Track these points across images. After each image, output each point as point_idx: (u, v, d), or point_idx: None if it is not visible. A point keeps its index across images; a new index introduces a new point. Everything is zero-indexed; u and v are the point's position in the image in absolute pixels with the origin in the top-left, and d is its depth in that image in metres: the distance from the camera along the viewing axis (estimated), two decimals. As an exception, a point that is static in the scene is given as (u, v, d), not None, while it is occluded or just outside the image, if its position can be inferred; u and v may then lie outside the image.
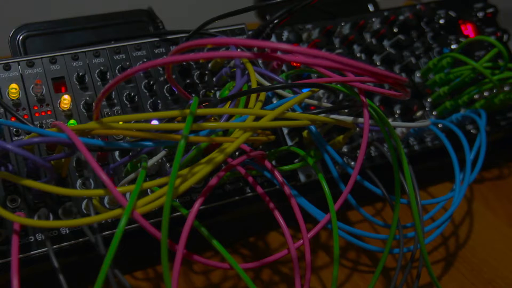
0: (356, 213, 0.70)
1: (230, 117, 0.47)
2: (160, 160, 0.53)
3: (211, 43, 0.35)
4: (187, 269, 0.62)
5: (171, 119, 0.48)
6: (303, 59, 0.35)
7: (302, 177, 0.64)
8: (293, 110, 0.56)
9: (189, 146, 0.50)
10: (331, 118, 0.49)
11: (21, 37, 0.66)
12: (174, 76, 0.62)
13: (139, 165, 0.50)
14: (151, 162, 0.49)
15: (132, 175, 0.48)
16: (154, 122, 0.53)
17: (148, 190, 0.55)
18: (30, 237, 0.52)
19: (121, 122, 0.42)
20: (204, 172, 0.41)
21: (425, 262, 0.56)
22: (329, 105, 0.57)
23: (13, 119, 0.54)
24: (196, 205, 0.43)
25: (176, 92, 0.61)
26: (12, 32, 0.66)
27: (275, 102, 0.63)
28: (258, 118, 0.45)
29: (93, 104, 0.57)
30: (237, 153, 0.59)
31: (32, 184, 0.40)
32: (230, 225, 0.66)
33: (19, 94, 0.56)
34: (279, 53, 0.45)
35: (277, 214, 0.50)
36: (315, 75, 0.68)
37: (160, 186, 0.42)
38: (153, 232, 0.40)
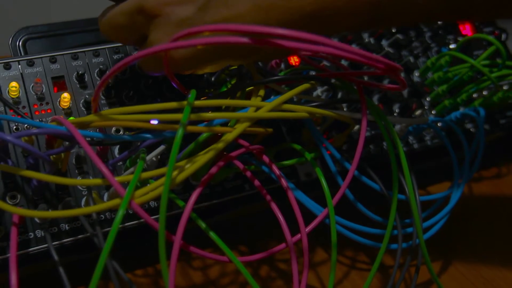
0: (354, 208, 0.70)
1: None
2: (159, 156, 0.54)
3: (209, 30, 0.35)
4: (185, 265, 0.62)
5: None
6: (298, 45, 0.36)
7: (302, 176, 0.64)
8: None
9: (188, 143, 0.50)
10: (329, 111, 0.50)
11: (21, 40, 0.67)
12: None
13: (138, 160, 0.50)
14: (150, 156, 0.49)
15: (131, 169, 0.48)
16: (153, 122, 0.53)
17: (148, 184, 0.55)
18: (30, 233, 0.52)
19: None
20: (203, 160, 0.41)
21: (424, 255, 0.56)
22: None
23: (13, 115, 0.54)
24: (195, 194, 0.43)
25: (176, 87, 0.61)
26: (13, 35, 0.66)
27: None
28: (257, 110, 0.45)
29: (91, 97, 0.57)
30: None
31: (32, 175, 0.40)
32: (230, 224, 0.66)
33: (19, 93, 0.56)
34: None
35: (274, 206, 0.50)
36: (313, 72, 0.68)
37: (159, 177, 0.42)
38: (150, 222, 0.41)
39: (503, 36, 0.85)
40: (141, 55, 0.38)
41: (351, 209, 0.57)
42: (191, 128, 0.41)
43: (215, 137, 0.46)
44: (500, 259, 0.70)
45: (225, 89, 0.60)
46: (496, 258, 0.70)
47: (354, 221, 0.57)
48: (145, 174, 0.41)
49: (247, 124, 0.43)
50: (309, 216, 0.54)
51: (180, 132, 0.38)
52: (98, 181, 0.41)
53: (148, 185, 0.41)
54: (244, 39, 0.35)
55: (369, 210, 0.58)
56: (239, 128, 0.42)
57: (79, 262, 0.55)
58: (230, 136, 0.42)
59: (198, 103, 0.42)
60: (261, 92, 0.49)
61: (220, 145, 0.42)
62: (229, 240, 0.64)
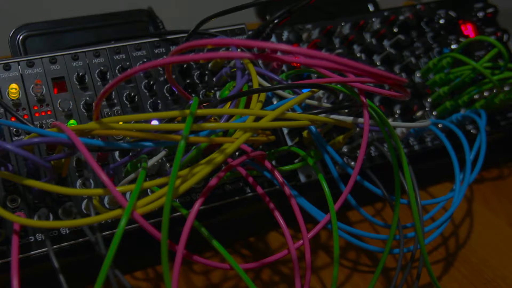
0: (356, 213, 0.70)
1: (230, 117, 0.47)
2: (160, 160, 0.53)
3: (211, 44, 0.35)
4: (187, 269, 0.62)
5: (171, 119, 0.48)
6: (303, 60, 0.35)
7: (302, 177, 0.64)
8: (293, 110, 0.56)
9: (189, 146, 0.50)
10: (331, 118, 0.49)
11: (21, 37, 0.66)
12: (174, 76, 0.62)
13: (139, 165, 0.50)
14: (151, 162, 0.49)
15: (132, 175, 0.48)
16: (154, 122, 0.53)
17: (148, 190, 0.55)
18: (30, 237, 0.52)
19: (121, 123, 0.42)
20: (204, 172, 0.41)
21: (425, 262, 0.56)
22: (329, 105, 0.57)
23: (13, 119, 0.54)
24: (196, 206, 0.43)
25: (176, 92, 0.61)
26: (12, 32, 0.66)
27: (275, 102, 0.63)
28: (258, 118, 0.45)
29: (93, 104, 0.57)
30: (237, 153, 0.59)
31: (33, 184, 0.40)
32: (230, 225, 0.66)
33: (19, 94, 0.56)
34: (279, 54, 0.45)
35: (277, 214, 0.50)
36: (315, 75, 0.68)
37: (160, 186, 0.42)
38: (153, 233, 0.40)
39: (505, 37, 0.84)
40: (145, 67, 0.37)
41: (349, 208, 0.57)
42: (193, 139, 0.41)
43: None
44: (500, 260, 0.70)
45: (227, 92, 0.59)
46: (497, 259, 0.70)
47: (351, 219, 0.57)
48: (147, 184, 0.41)
49: (249, 134, 0.43)
50: (309, 214, 0.54)
51: (182, 144, 0.38)
52: (99, 191, 0.40)
53: (150, 194, 0.41)
54: (247, 54, 0.35)
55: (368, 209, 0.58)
56: (241, 138, 0.42)
57: (79, 263, 0.55)
58: (231, 148, 0.42)
59: (200, 112, 0.41)
60: (262, 97, 0.49)
61: (221, 157, 0.42)
62: (229, 241, 0.65)
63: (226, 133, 0.48)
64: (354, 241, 0.57)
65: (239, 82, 0.52)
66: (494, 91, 0.74)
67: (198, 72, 0.63)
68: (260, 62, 0.64)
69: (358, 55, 0.76)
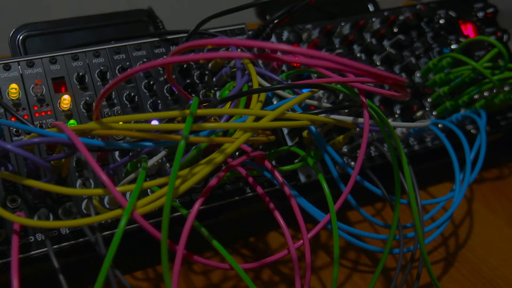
0: (356, 213, 0.70)
1: (230, 117, 0.47)
2: (160, 160, 0.53)
3: (211, 44, 0.35)
4: (187, 269, 0.62)
5: (171, 119, 0.48)
6: (303, 60, 0.35)
7: (302, 177, 0.64)
8: (293, 110, 0.56)
9: (189, 146, 0.50)
10: (331, 118, 0.49)
11: (21, 37, 0.66)
12: (174, 76, 0.62)
13: (139, 165, 0.50)
14: (151, 162, 0.49)
15: (132, 175, 0.48)
16: (154, 122, 0.53)
17: (148, 190, 0.55)
18: (30, 237, 0.52)
19: (121, 123, 0.42)
20: (204, 172, 0.41)
21: (425, 262, 0.56)
22: (329, 105, 0.57)
23: (13, 119, 0.54)
24: (196, 206, 0.43)
25: (176, 92, 0.61)
26: (12, 32, 0.66)
27: (275, 102, 0.63)
28: (258, 118, 0.45)
29: (93, 104, 0.57)
30: (237, 153, 0.59)
31: (33, 184, 0.40)
32: (230, 225, 0.66)
33: (19, 94, 0.56)
34: (279, 54, 0.45)
35: (277, 214, 0.50)
36: (315, 75, 0.68)
37: (160, 186, 0.42)
38: (153, 233, 0.40)
39: (505, 37, 0.84)
40: (145, 67, 0.37)
41: (349, 208, 0.57)
42: (193, 139, 0.41)
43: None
44: (500, 260, 0.70)
45: (227, 92, 0.59)
46: (497, 259, 0.70)
47: (351, 219, 0.57)
48: (147, 184, 0.41)
49: (249, 134, 0.43)
50: (309, 214, 0.54)
51: (182, 144, 0.38)
52: (99, 191, 0.40)
53: (150, 194, 0.41)
54: (247, 54, 0.35)
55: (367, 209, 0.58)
56: (241, 138, 0.42)
57: (79, 263, 0.55)
58: (231, 148, 0.42)
59: (200, 112, 0.41)
60: (262, 97, 0.49)
61: (221, 157, 0.42)
62: (229, 241, 0.65)
63: (226, 133, 0.48)
64: (354, 241, 0.57)
65: (239, 82, 0.52)
66: (494, 91, 0.74)
67: (198, 72, 0.63)
68: (260, 62, 0.64)
69: (358, 55, 0.76)
